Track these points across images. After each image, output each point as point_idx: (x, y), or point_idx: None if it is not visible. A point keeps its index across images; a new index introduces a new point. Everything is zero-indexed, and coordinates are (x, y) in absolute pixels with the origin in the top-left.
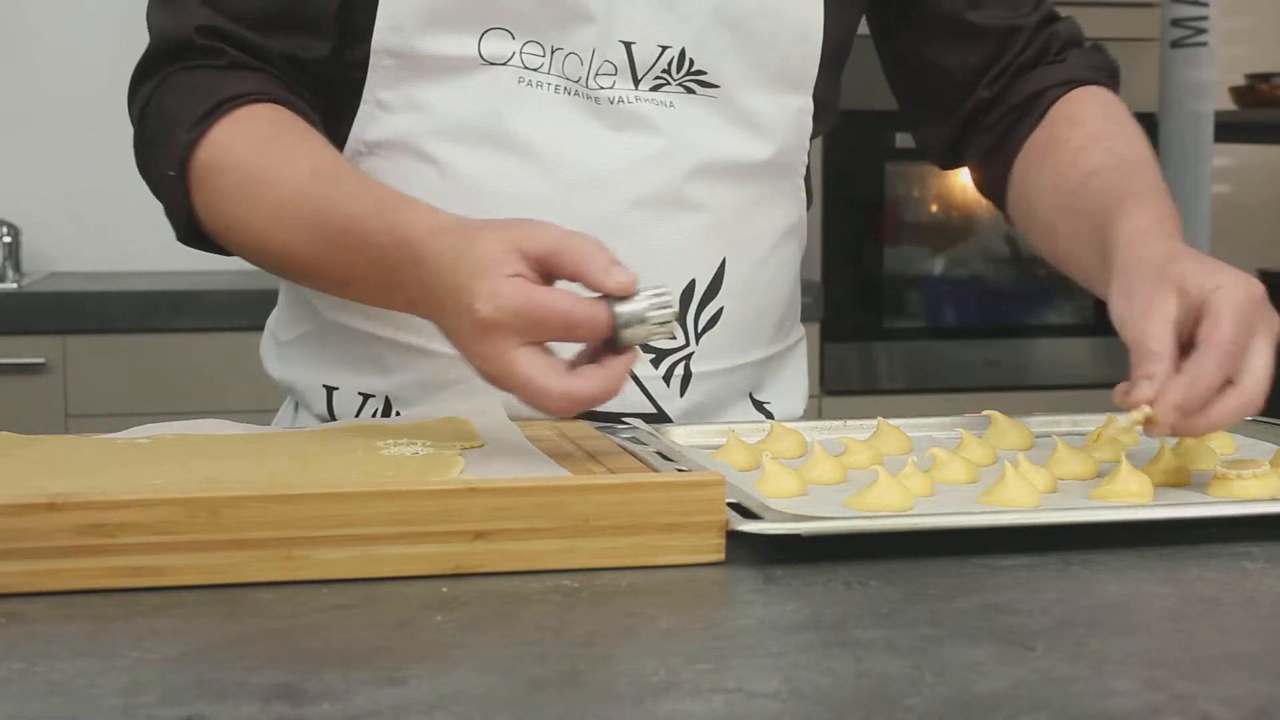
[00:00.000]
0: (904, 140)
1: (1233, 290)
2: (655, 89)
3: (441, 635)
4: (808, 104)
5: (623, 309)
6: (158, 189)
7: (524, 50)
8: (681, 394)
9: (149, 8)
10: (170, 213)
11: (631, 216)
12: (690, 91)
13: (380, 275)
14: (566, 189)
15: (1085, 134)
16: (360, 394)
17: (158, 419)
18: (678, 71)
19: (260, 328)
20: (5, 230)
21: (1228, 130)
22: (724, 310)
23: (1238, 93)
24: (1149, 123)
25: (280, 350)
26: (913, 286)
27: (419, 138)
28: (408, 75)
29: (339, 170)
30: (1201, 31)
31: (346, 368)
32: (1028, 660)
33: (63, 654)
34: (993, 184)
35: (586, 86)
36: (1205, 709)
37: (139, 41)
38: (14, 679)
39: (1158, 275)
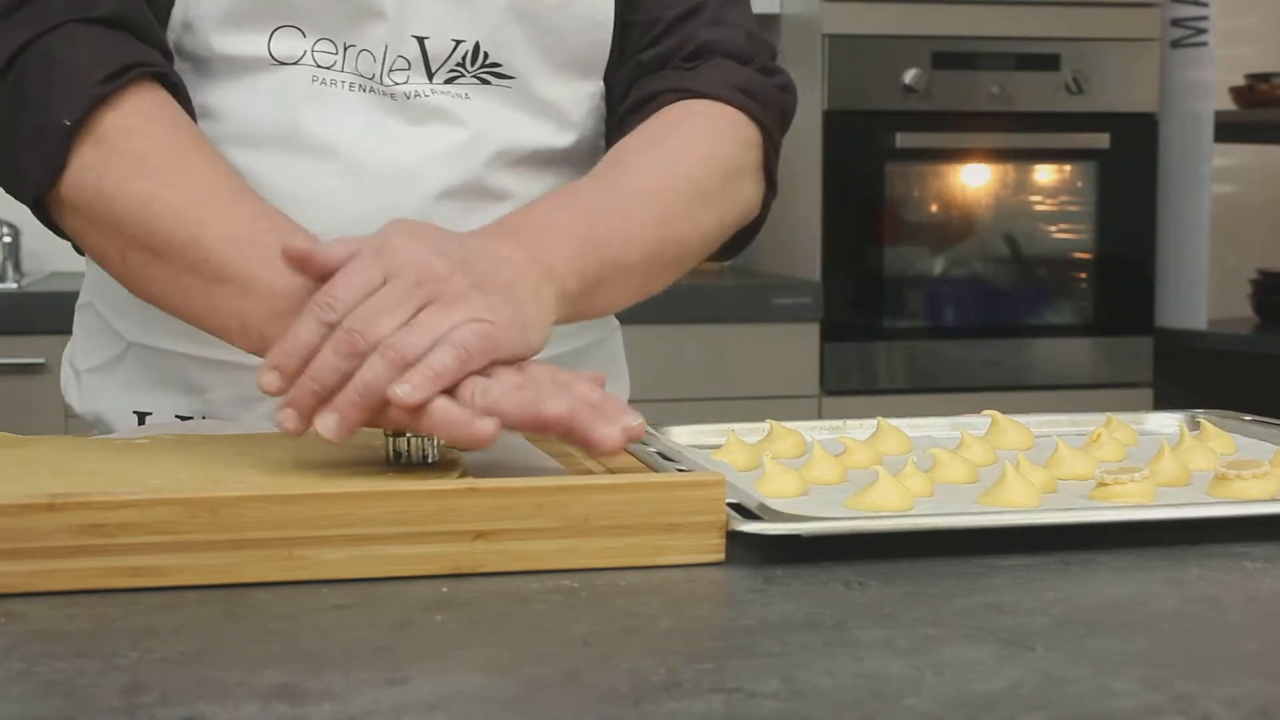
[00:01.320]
0: (904, 140)
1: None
2: (449, 81)
3: (441, 635)
4: (602, 89)
5: None
6: (33, 141)
7: (315, 49)
8: None
9: None
10: (36, 164)
11: (438, 209)
12: (485, 83)
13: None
14: (370, 186)
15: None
16: (177, 416)
17: None
18: (472, 64)
19: None
20: (5, 230)
21: (1228, 130)
22: None
23: (1238, 93)
24: (1149, 123)
25: (81, 380)
26: (913, 286)
27: (214, 145)
28: (199, 80)
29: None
30: (1201, 31)
31: (158, 390)
32: (1028, 660)
33: (63, 654)
34: None
35: (380, 82)
36: (1205, 709)
37: None
38: (14, 679)
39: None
